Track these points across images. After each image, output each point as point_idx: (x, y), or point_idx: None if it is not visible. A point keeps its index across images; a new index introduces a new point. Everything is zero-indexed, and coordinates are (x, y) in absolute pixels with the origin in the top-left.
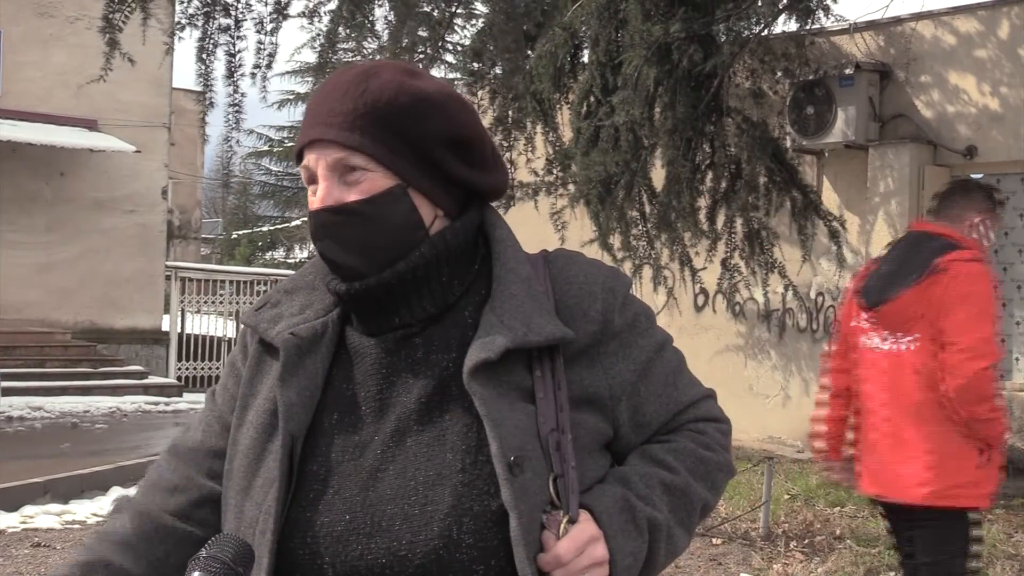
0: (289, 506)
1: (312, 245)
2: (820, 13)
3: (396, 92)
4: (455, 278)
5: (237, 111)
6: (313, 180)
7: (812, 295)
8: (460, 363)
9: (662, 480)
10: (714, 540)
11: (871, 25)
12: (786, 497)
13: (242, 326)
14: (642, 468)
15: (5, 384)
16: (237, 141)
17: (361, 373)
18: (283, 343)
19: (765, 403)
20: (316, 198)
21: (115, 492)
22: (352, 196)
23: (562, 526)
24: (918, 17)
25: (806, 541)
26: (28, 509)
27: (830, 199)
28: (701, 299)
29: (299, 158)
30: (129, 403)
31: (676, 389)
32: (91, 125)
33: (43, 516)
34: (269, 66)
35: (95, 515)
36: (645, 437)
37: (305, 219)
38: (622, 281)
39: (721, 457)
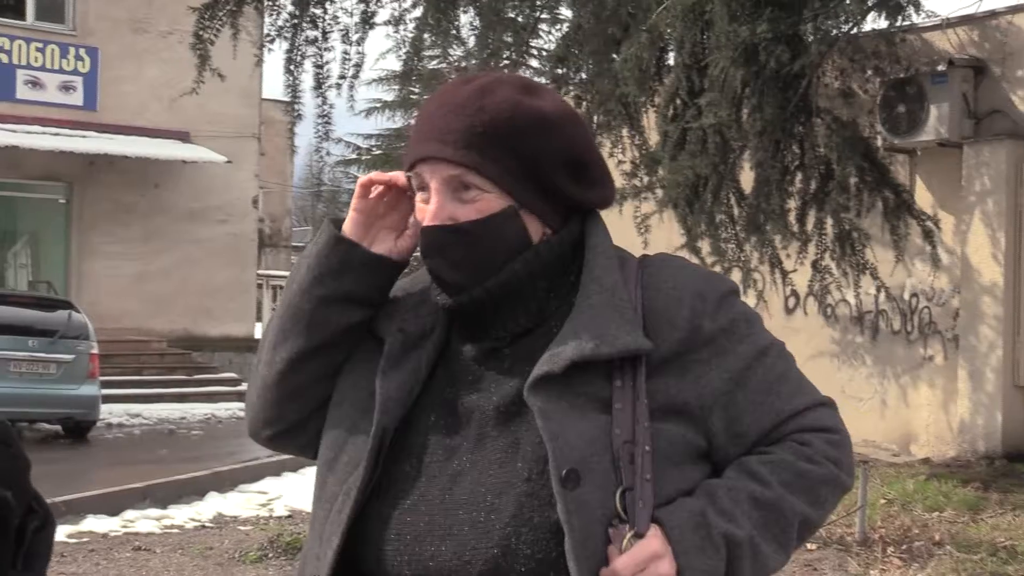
0: (373, 497)
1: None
2: (910, 9)
3: (513, 111)
4: (552, 291)
5: (326, 122)
6: (424, 187)
7: (906, 296)
8: None
9: (751, 494)
10: (809, 545)
11: (964, 20)
12: (882, 502)
13: None
14: (732, 481)
15: (104, 392)
16: (328, 152)
17: (460, 378)
18: (390, 337)
19: (859, 406)
20: (428, 213)
21: (212, 497)
22: (465, 214)
23: (626, 540)
24: (1014, 10)
25: (904, 547)
26: (129, 514)
27: (923, 198)
28: (792, 301)
29: (410, 166)
30: (223, 409)
31: (778, 397)
32: (183, 137)
33: (143, 520)
34: (356, 76)
35: (193, 520)
36: (744, 448)
37: None
38: (715, 286)
39: (827, 470)
